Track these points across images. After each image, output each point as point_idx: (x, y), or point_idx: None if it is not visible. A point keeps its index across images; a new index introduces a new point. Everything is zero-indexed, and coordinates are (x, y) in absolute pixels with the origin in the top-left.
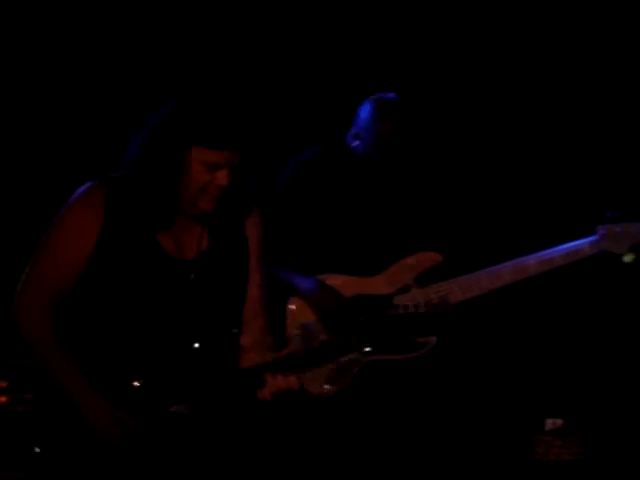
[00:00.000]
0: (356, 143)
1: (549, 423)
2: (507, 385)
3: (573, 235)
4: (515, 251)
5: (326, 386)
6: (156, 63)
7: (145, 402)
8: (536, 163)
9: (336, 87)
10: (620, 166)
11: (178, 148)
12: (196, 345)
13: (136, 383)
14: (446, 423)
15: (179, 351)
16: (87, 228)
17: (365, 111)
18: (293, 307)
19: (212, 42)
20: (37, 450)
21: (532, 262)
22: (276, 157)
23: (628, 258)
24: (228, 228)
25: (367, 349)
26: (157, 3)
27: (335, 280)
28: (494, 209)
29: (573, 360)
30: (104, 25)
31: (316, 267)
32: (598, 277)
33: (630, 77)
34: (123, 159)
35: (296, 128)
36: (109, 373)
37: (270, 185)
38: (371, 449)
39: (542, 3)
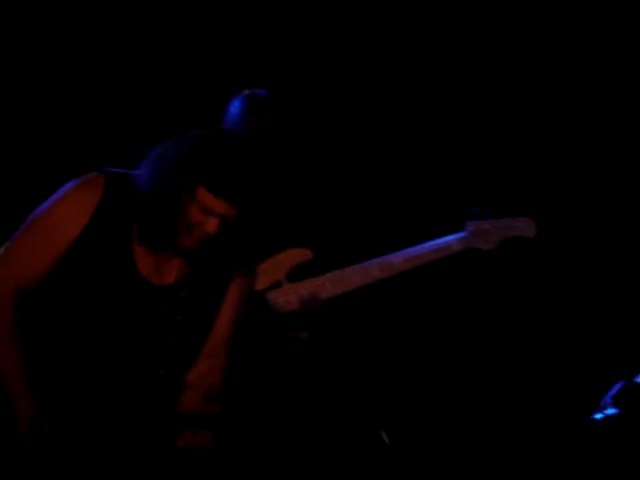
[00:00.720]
0: None
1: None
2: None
3: (445, 231)
4: (389, 247)
5: None
6: (156, 66)
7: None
8: (407, 160)
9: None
10: (490, 162)
11: (186, 180)
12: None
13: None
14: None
15: (120, 371)
16: (74, 219)
17: (235, 107)
18: None
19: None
20: None
21: (400, 259)
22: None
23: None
24: (209, 271)
25: None
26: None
27: None
28: (367, 206)
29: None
30: (103, 25)
31: None
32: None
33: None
34: (138, 166)
35: None
36: (52, 382)
37: None
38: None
39: None
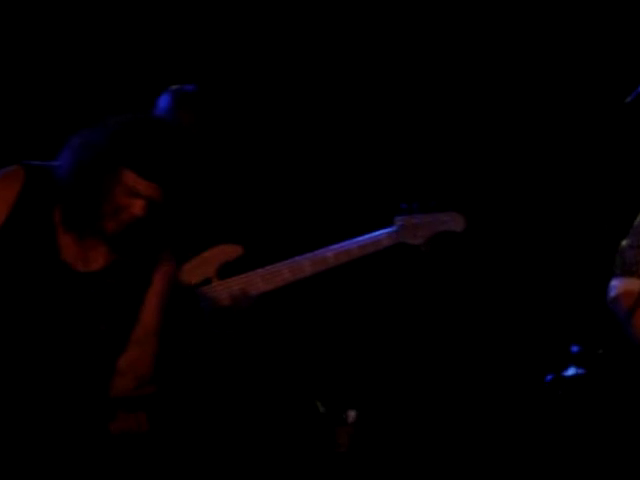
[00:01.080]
0: None
1: (351, 415)
2: (308, 376)
3: (375, 226)
4: (319, 243)
5: None
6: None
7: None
8: (337, 156)
9: None
10: (418, 157)
11: (111, 164)
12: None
13: None
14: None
15: (46, 357)
16: None
17: (164, 102)
18: None
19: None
20: None
21: (330, 254)
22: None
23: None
24: (134, 257)
25: None
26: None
27: None
28: (297, 202)
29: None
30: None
31: None
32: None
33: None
34: (58, 157)
35: None
36: None
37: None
38: None
39: None
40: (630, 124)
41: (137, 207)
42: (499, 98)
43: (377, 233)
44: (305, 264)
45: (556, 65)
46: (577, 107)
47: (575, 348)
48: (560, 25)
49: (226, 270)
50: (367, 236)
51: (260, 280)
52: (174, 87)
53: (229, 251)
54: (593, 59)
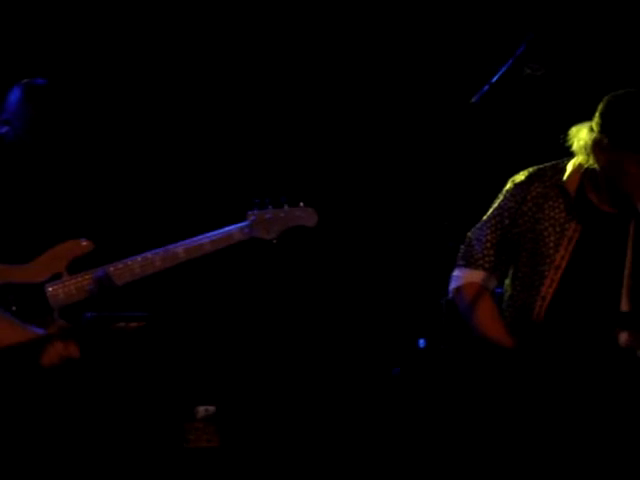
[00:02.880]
0: (5, 129)
1: (201, 410)
2: (158, 375)
3: (228, 220)
4: (172, 237)
5: None
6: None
7: None
8: (189, 151)
9: None
10: (270, 153)
11: None
12: None
13: None
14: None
15: None
16: None
17: (14, 96)
18: None
19: None
20: None
21: (181, 248)
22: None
23: None
24: None
25: None
26: None
27: None
28: (149, 197)
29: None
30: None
31: None
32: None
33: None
34: None
35: None
36: None
37: None
38: None
39: None
40: (475, 124)
41: None
42: (344, 97)
43: (229, 228)
44: (156, 259)
45: (400, 65)
46: (424, 106)
47: (422, 342)
48: (406, 24)
49: (76, 265)
50: (219, 231)
51: (111, 275)
52: (24, 80)
53: (79, 246)
54: (439, 60)
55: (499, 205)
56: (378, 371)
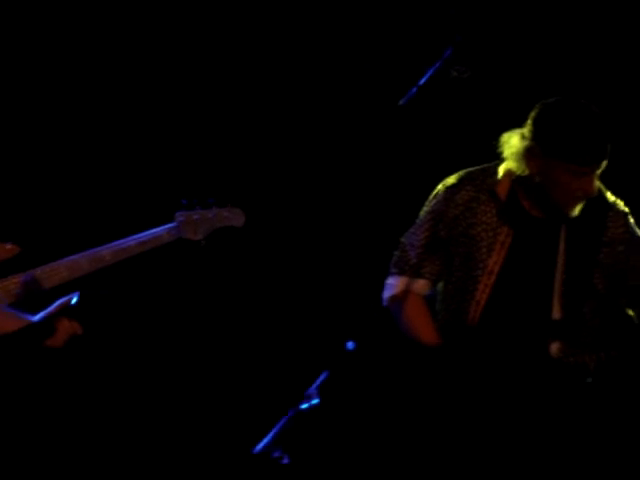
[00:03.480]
0: None
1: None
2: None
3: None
4: (99, 240)
5: None
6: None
7: None
8: (115, 153)
9: None
10: (197, 154)
11: None
12: None
13: None
14: None
15: None
16: None
17: None
18: None
19: None
20: None
21: (109, 251)
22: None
23: None
24: None
25: None
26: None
27: None
28: (76, 200)
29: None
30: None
31: None
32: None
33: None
34: None
35: None
36: None
37: None
38: None
39: None
40: (403, 126)
41: None
42: (271, 98)
43: (157, 229)
44: (83, 262)
45: (330, 68)
46: (352, 108)
47: (350, 344)
48: (335, 28)
49: (2, 269)
50: (147, 232)
51: (39, 279)
52: None
53: (3, 250)
54: (367, 63)
55: (431, 209)
56: (306, 372)
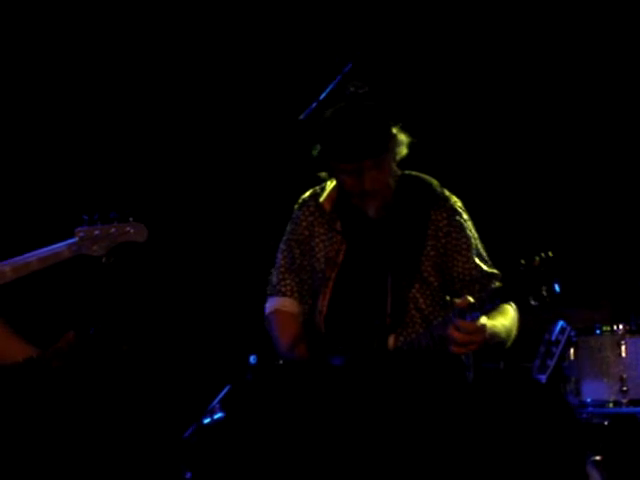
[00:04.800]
0: None
1: None
2: None
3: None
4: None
5: None
6: None
7: None
8: (21, 166)
9: None
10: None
11: None
12: None
13: None
14: None
15: None
16: None
17: None
18: None
19: None
20: None
21: (8, 267)
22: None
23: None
24: None
25: None
26: None
27: None
28: None
29: None
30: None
31: None
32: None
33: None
34: None
35: None
36: None
37: None
38: None
39: None
40: (304, 140)
41: None
42: (172, 114)
43: (57, 245)
44: None
45: (233, 83)
46: (253, 122)
47: (253, 358)
48: (240, 44)
49: None
50: (47, 248)
51: None
52: None
53: None
54: (268, 78)
55: (287, 230)
56: (209, 387)
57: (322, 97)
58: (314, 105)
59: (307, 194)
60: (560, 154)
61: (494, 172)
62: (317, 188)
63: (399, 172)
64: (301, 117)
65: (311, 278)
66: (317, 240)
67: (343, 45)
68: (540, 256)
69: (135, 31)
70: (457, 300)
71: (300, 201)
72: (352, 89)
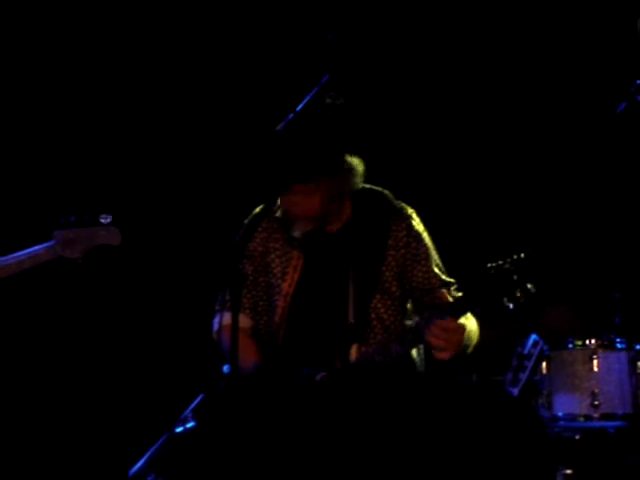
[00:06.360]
0: None
1: None
2: None
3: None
4: None
5: None
6: None
7: None
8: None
9: None
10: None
11: None
12: None
13: None
14: None
15: None
16: None
17: None
18: None
19: None
20: None
21: None
22: None
23: None
24: None
25: None
26: None
27: None
28: None
29: None
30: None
31: None
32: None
33: None
34: None
35: None
36: None
37: None
38: None
39: None
40: (279, 152)
41: None
42: (149, 117)
43: (35, 248)
44: None
45: (215, 93)
46: (231, 133)
47: (226, 368)
48: (221, 57)
49: None
50: (24, 251)
51: None
52: None
53: None
54: (246, 89)
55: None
56: (182, 396)
57: (299, 108)
58: (291, 116)
59: (258, 209)
60: (531, 158)
61: (464, 177)
62: (269, 203)
63: (352, 192)
64: (278, 128)
65: (267, 294)
66: (272, 256)
67: (320, 56)
68: (512, 258)
69: (116, 38)
70: (436, 301)
71: (251, 217)
72: (329, 100)
